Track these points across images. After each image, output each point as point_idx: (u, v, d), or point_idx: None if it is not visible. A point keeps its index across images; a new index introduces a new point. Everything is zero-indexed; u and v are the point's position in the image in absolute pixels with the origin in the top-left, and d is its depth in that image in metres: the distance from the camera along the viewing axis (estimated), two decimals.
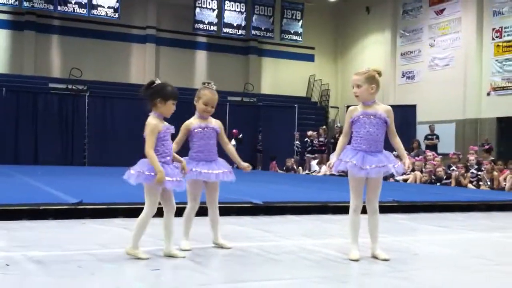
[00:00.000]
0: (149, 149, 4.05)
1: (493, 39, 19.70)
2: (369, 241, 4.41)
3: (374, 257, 4.33)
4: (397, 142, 4.41)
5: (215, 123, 4.66)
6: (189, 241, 4.53)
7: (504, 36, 19.35)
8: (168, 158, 4.19)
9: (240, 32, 24.96)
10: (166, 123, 4.26)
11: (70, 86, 20.99)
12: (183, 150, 4.55)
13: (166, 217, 4.26)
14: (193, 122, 4.63)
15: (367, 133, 4.29)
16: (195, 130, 4.59)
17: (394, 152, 4.52)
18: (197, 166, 4.49)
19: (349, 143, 4.43)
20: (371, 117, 4.31)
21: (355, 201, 4.33)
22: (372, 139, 4.29)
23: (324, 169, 4.47)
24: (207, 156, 4.56)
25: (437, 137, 19.27)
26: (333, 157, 4.41)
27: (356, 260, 4.19)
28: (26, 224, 5.71)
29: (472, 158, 14.18)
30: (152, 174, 4.02)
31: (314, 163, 19.55)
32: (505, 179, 12.71)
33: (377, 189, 4.36)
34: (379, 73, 4.39)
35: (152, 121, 4.14)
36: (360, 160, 4.22)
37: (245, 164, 4.70)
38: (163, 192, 4.16)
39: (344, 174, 4.90)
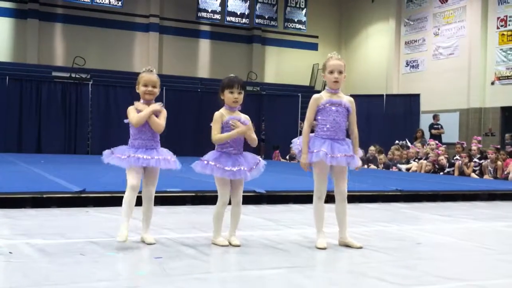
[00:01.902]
0: (213, 135, 4.24)
1: (498, 28, 19.58)
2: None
3: (346, 245, 4.30)
4: (355, 135, 4.42)
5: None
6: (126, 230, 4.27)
7: (509, 25, 19.22)
8: (231, 149, 4.27)
9: (244, 20, 24.86)
10: (235, 115, 4.33)
11: (73, 75, 20.97)
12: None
13: (232, 207, 4.37)
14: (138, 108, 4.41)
15: (333, 121, 4.30)
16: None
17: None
18: (136, 152, 4.28)
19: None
20: (337, 105, 4.32)
21: (320, 188, 4.30)
22: (337, 127, 4.30)
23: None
24: (146, 143, 4.33)
25: (442, 127, 19.23)
26: (300, 147, 4.38)
27: (324, 249, 4.18)
28: (29, 212, 5.72)
29: (475, 148, 14.15)
30: (204, 162, 4.21)
31: None
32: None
33: (344, 176, 4.34)
34: None
35: (216, 112, 4.32)
36: (329, 148, 4.22)
37: None
38: (232, 182, 4.27)
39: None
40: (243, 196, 7.07)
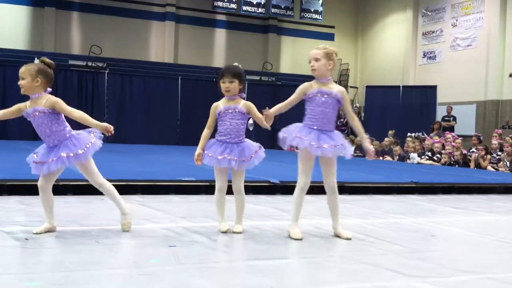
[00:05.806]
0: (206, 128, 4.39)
1: None
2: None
3: (337, 236, 4.29)
4: (357, 125, 4.38)
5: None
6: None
7: None
8: (225, 137, 4.33)
9: (260, 10, 24.77)
10: (233, 103, 4.36)
11: (89, 63, 21.07)
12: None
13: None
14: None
15: (321, 112, 4.25)
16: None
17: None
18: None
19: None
20: (326, 95, 4.27)
21: (304, 179, 4.27)
22: (326, 118, 4.25)
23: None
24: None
25: (454, 119, 19.08)
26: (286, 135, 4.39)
27: (300, 239, 4.15)
28: None
29: (495, 142, 13.94)
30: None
31: None
32: None
33: (332, 168, 4.29)
34: (336, 54, 4.43)
35: (213, 104, 4.40)
36: (315, 139, 4.17)
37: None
38: (231, 171, 4.34)
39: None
40: (257, 186, 7.10)
